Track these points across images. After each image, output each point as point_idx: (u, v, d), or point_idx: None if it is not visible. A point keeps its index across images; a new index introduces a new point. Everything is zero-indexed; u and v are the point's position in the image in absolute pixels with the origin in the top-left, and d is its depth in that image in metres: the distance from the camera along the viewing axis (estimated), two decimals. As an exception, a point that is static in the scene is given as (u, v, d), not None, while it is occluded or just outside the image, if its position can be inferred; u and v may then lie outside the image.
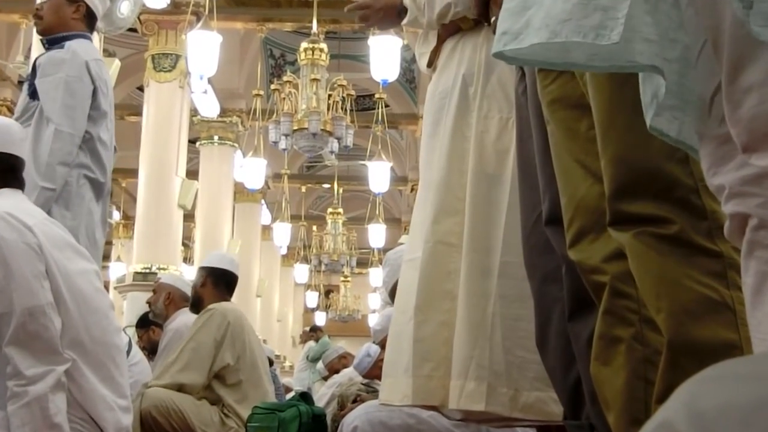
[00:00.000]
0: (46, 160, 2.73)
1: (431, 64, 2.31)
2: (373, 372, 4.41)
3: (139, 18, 8.72)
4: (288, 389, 8.21)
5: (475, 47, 2.18)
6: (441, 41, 2.27)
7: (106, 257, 15.48)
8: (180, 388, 3.58)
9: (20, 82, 9.00)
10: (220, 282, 3.97)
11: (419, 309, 2.08)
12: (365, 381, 4.91)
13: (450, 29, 2.24)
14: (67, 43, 2.91)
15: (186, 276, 7.61)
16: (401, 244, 3.74)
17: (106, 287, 2.17)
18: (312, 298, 21.16)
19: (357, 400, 3.90)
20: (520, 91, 1.59)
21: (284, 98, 7.84)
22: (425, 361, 2.06)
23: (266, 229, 15.00)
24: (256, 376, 3.75)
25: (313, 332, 11.38)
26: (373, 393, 4.16)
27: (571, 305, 1.33)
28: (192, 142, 10.74)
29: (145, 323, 5.04)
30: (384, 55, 7.48)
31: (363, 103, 14.26)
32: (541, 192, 1.43)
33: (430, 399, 2.07)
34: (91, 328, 1.94)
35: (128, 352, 4.11)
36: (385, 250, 10.34)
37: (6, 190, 2.10)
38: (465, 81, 2.17)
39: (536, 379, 1.89)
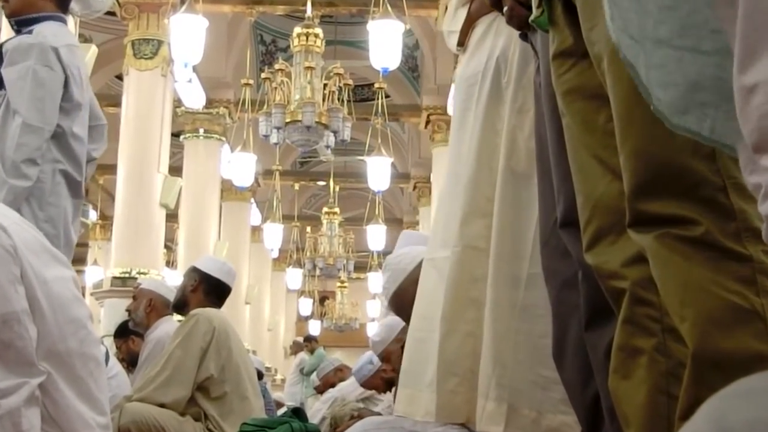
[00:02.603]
0: (12, 156, 2.71)
1: (462, 44, 2.29)
2: (373, 382, 4.42)
3: (117, 1, 8.73)
4: (279, 404, 8.21)
5: (511, 34, 2.16)
6: (471, 20, 2.25)
7: (82, 260, 15.49)
8: (161, 406, 3.58)
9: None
10: (212, 292, 3.97)
11: (445, 319, 2.09)
12: (363, 396, 4.91)
13: (482, 9, 2.22)
14: (36, 28, 2.89)
15: (168, 281, 7.62)
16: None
17: (82, 293, 2.16)
18: (306, 306, 21.16)
19: (354, 417, 3.90)
20: (538, 84, 1.59)
21: (276, 88, 7.84)
22: (451, 375, 2.06)
23: (256, 231, 15.01)
24: (242, 388, 3.76)
25: (308, 342, 11.38)
26: (371, 411, 4.16)
27: (588, 314, 1.33)
28: (175, 135, 10.75)
29: (124, 332, 5.03)
30: (384, 41, 7.48)
31: (361, 94, 14.27)
32: (555, 192, 1.43)
33: (455, 416, 2.07)
34: (68, 339, 1.94)
35: (105, 364, 4.11)
36: (385, 254, 10.33)
37: None
38: (498, 67, 2.15)
39: (562, 402, 1.89)
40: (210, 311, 3.81)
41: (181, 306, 4.00)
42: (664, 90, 0.85)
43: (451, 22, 2.32)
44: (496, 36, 2.18)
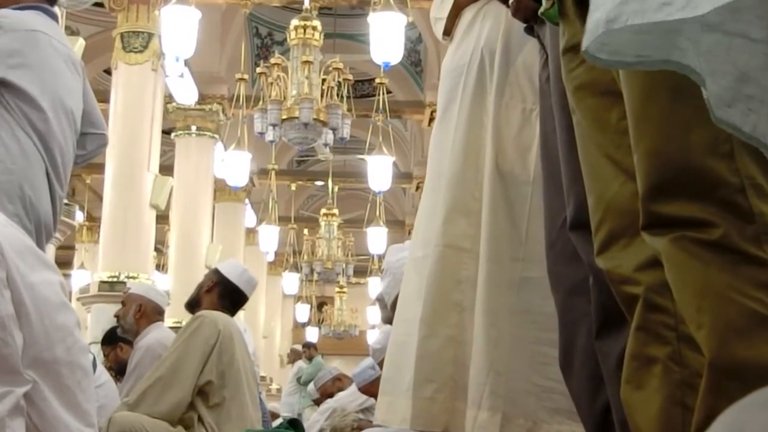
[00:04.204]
0: None
1: (448, 33, 2.30)
2: (372, 388, 4.43)
3: (106, -9, 8.74)
4: (275, 415, 8.21)
5: (498, 22, 2.16)
6: (458, 7, 2.25)
7: (68, 264, 15.50)
8: (160, 413, 3.58)
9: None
10: (227, 296, 3.99)
11: (424, 322, 2.08)
12: (363, 407, 4.91)
13: None
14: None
15: (159, 285, 7.62)
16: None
17: (68, 298, 2.16)
18: (303, 312, 21.16)
19: (355, 429, 3.91)
20: (544, 79, 1.59)
21: (272, 83, 7.84)
22: (428, 382, 2.06)
23: (251, 233, 15.01)
24: (242, 396, 3.76)
25: (307, 349, 11.36)
26: (371, 422, 4.16)
27: (600, 321, 1.33)
28: (166, 132, 10.76)
29: (112, 339, 5.04)
30: (386, 34, 7.48)
31: (362, 89, 14.28)
32: (565, 192, 1.43)
33: (431, 424, 2.07)
34: (55, 347, 1.94)
35: (93, 372, 4.10)
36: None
37: None
38: (483, 58, 2.16)
39: (557, 411, 1.90)
40: (216, 314, 3.81)
41: (193, 305, 4.02)
42: (712, 79, 0.83)
43: (439, 8, 2.32)
44: (482, 27, 2.19)
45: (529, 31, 1.65)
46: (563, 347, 1.54)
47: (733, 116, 0.81)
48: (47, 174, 2.86)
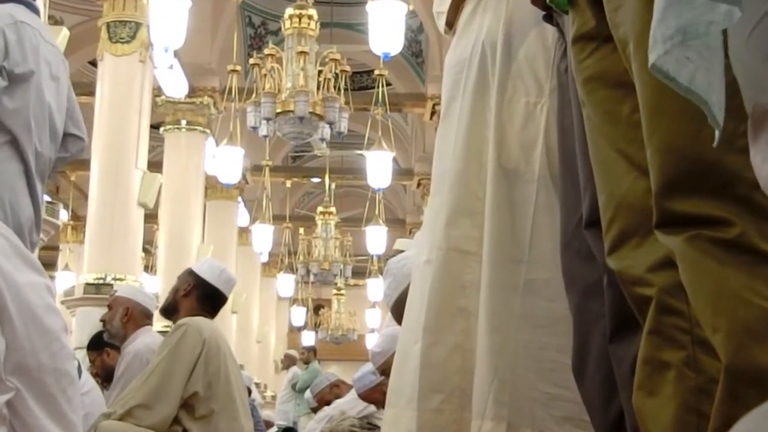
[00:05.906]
0: None
1: (451, 25, 2.30)
2: (373, 395, 4.43)
3: (91, -22, 8.75)
4: (269, 424, 8.22)
5: (499, 13, 2.16)
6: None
7: (52, 265, 15.50)
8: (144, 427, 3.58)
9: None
10: (206, 299, 3.97)
11: (428, 329, 2.08)
12: (363, 414, 4.92)
13: None
14: None
15: (147, 288, 7.63)
16: (400, 251, 3.72)
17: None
18: (298, 315, 21.18)
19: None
20: (563, 69, 1.59)
21: (265, 75, 7.84)
22: (434, 392, 2.05)
23: (244, 232, 15.03)
24: (232, 407, 3.75)
25: (305, 351, 11.34)
26: (371, 430, 4.17)
27: (614, 324, 1.33)
28: (155, 127, 10.76)
29: (98, 344, 5.04)
30: (385, 23, 7.49)
31: (360, 81, 14.29)
32: (581, 188, 1.43)
33: None
34: (40, 353, 1.94)
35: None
36: (386, 258, 10.34)
37: None
38: (484, 52, 2.16)
39: (565, 419, 1.90)
40: (200, 321, 3.80)
41: (170, 310, 3.99)
42: (660, 22, 0.82)
43: (440, 2, 2.33)
44: (482, 19, 2.18)
45: (548, 18, 1.65)
46: (576, 351, 1.54)
47: (668, 63, 0.80)
48: (26, 175, 2.86)
